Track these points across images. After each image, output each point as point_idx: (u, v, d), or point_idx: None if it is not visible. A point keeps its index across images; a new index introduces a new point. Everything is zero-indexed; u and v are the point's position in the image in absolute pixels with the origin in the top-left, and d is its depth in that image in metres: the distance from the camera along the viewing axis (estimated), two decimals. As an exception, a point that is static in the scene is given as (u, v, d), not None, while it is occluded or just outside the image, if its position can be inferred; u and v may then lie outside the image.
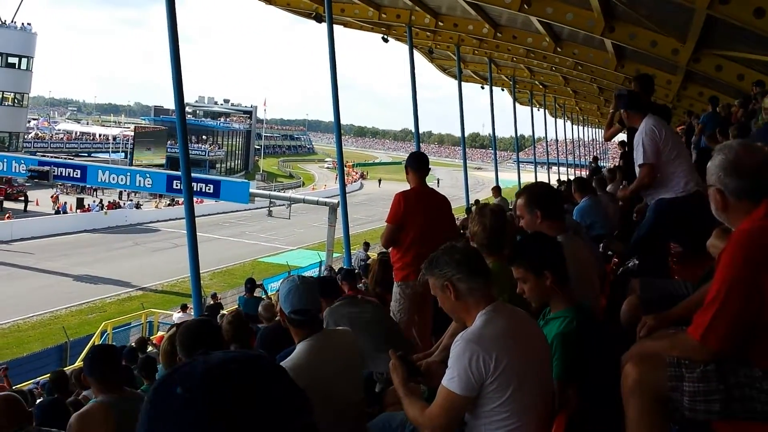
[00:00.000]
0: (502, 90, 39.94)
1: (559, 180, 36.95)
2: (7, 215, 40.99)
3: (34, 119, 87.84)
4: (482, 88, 36.81)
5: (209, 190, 30.50)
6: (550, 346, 2.86)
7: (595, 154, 54.81)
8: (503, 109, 40.61)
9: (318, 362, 3.05)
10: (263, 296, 12.70)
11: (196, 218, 17.29)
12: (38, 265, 31.78)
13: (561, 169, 60.88)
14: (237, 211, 48.49)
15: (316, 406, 3.00)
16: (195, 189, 27.60)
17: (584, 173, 39.16)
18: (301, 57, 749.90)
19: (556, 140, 70.87)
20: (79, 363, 8.37)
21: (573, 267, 3.25)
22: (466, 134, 31.56)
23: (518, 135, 47.50)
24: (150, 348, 10.59)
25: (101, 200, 48.65)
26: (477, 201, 16.99)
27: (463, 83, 31.77)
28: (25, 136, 62.15)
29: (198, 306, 14.91)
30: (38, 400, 4.49)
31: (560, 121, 57.93)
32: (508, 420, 2.59)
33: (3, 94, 53.65)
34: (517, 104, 42.79)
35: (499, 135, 50.30)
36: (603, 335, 3.04)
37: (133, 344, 11.98)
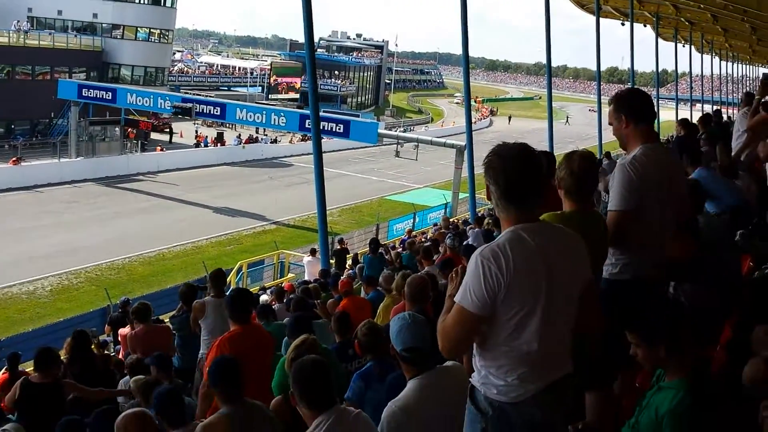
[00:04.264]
0: (645, 26, 37.62)
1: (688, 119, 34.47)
2: (158, 147, 44.06)
3: (179, 51, 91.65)
4: (622, 24, 34.88)
5: (339, 129, 31.04)
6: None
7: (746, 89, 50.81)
8: (644, 41, 38.25)
9: (428, 402, 3.08)
10: (386, 253, 12.90)
11: (325, 153, 17.81)
12: (183, 196, 33.90)
13: (705, 106, 56.59)
14: (365, 147, 49.08)
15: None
16: (325, 128, 28.23)
17: (734, 111, 36.40)
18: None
19: (701, 76, 66.44)
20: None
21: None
22: (602, 68, 30.14)
23: (659, 70, 44.92)
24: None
25: (239, 135, 50.77)
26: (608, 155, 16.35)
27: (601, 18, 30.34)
28: (170, 71, 65.18)
29: (325, 253, 15.60)
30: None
31: (707, 57, 53.86)
32: (504, 349, 2.47)
33: (150, 30, 56.29)
34: (660, 39, 40.30)
35: (638, 69, 47.78)
36: (723, 413, 2.80)
37: (267, 294, 12.49)
